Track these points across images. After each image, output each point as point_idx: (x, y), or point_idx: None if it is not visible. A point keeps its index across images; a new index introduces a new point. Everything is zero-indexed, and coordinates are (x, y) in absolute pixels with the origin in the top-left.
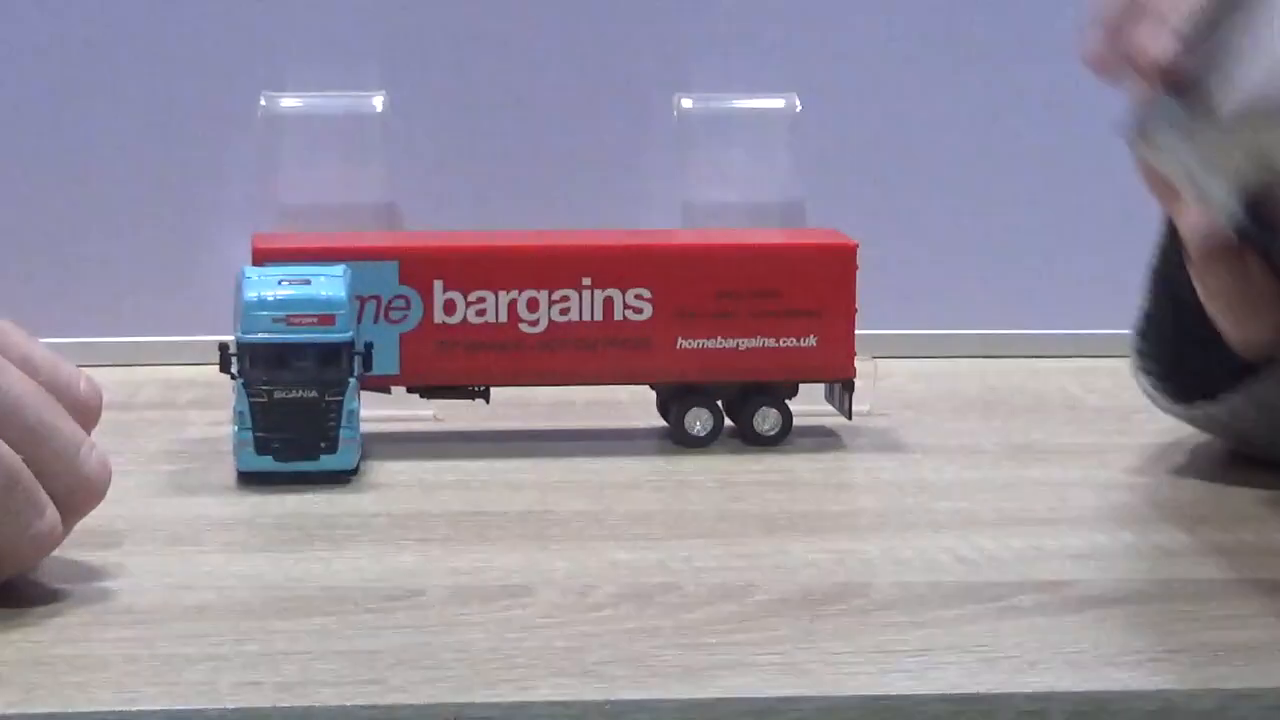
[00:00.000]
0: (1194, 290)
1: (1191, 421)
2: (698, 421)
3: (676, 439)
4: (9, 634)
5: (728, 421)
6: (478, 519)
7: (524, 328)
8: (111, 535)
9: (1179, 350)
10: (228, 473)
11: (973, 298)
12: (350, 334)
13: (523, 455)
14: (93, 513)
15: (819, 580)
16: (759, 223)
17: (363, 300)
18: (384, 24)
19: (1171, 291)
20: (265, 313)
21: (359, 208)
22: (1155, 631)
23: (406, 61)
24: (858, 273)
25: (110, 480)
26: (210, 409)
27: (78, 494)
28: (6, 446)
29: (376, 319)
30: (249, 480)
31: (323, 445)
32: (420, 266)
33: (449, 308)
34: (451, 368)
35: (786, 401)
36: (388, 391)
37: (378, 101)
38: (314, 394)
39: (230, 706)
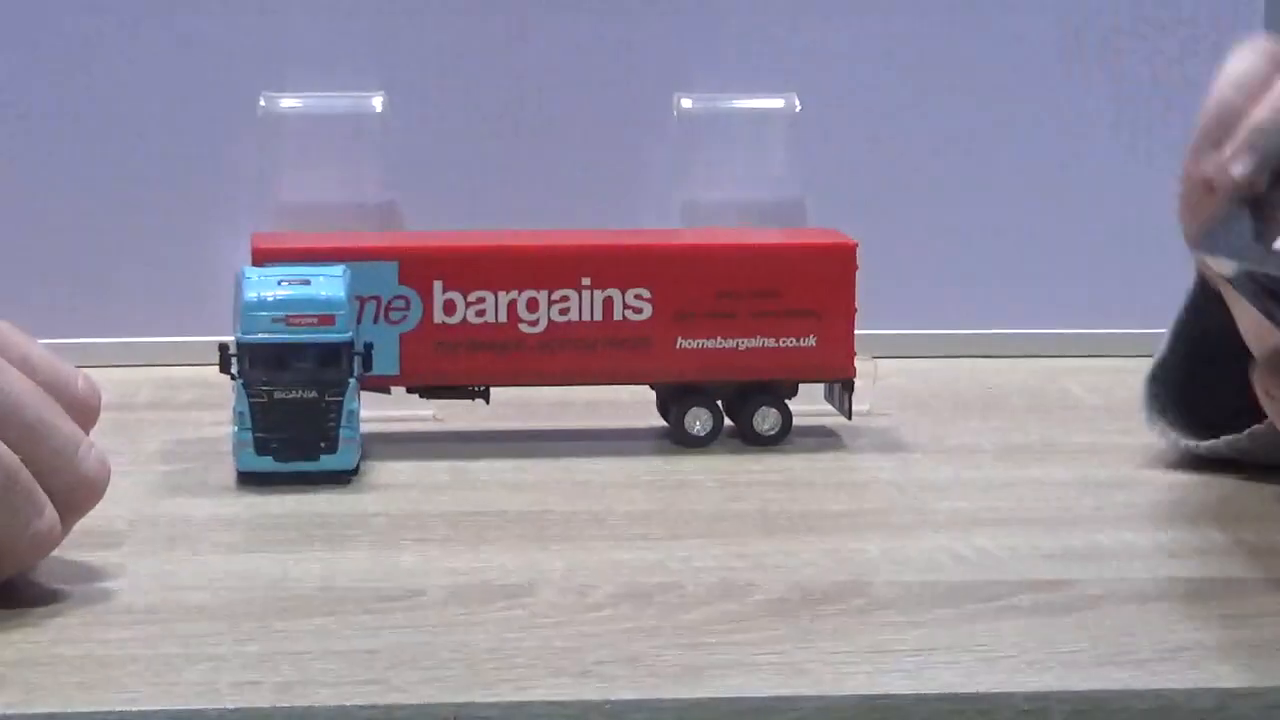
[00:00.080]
0: (1212, 342)
1: (1190, 450)
2: (697, 421)
3: (676, 439)
4: (9, 634)
5: (727, 421)
6: (477, 519)
7: (524, 328)
8: (111, 535)
9: (1186, 397)
10: (227, 473)
11: (973, 298)
12: (350, 334)
13: (523, 455)
14: (92, 513)
15: (818, 580)
16: (758, 222)
17: (362, 300)
18: (384, 24)
19: (1190, 347)
20: (265, 313)
21: (359, 208)
22: (1154, 631)
23: (406, 61)
24: (857, 273)
25: (109, 479)
26: (210, 409)
27: (77, 493)
28: (4, 446)
29: (376, 319)
30: (249, 480)
31: (322, 445)
32: (420, 266)
33: (449, 308)
34: (451, 368)
35: (786, 401)
36: (387, 392)
37: (378, 101)
38: (314, 394)
39: (230, 706)
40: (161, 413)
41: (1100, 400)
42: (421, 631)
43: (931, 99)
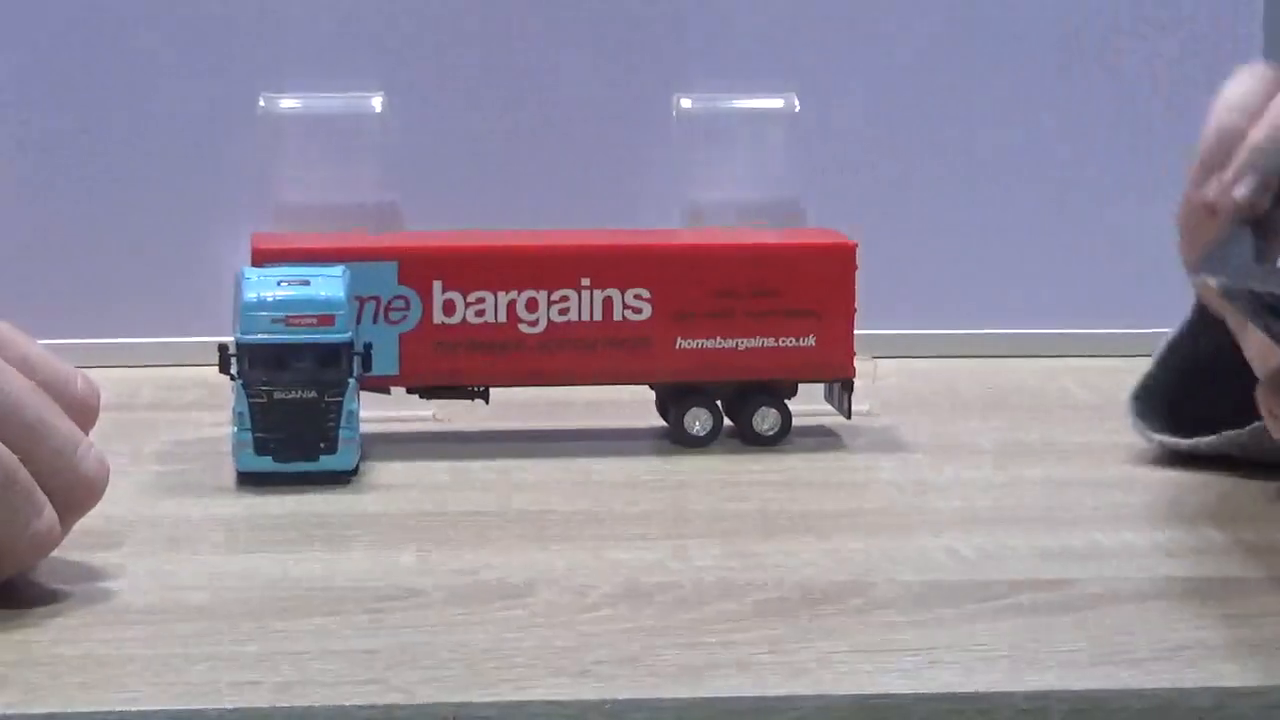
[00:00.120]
0: (1203, 366)
1: (1190, 450)
2: (697, 421)
3: (676, 439)
4: (9, 634)
5: (727, 421)
6: (477, 519)
7: (523, 328)
8: (111, 535)
9: (1172, 413)
10: (227, 473)
11: (972, 298)
12: (349, 334)
13: (522, 455)
14: (92, 513)
15: (817, 580)
16: (759, 223)
17: (362, 301)
18: (384, 24)
19: (1183, 364)
20: (264, 313)
21: (358, 208)
22: (1153, 630)
23: (406, 61)
24: (857, 273)
25: (108, 479)
26: (210, 409)
27: (76, 493)
28: (4, 446)
29: (376, 319)
30: (248, 481)
31: (322, 446)
32: (419, 267)
33: (448, 308)
34: (451, 368)
35: (786, 401)
36: (387, 392)
37: (377, 101)
38: (313, 394)
39: (230, 706)
40: (161, 413)
41: (1100, 400)
42: (421, 631)
43: (931, 99)
